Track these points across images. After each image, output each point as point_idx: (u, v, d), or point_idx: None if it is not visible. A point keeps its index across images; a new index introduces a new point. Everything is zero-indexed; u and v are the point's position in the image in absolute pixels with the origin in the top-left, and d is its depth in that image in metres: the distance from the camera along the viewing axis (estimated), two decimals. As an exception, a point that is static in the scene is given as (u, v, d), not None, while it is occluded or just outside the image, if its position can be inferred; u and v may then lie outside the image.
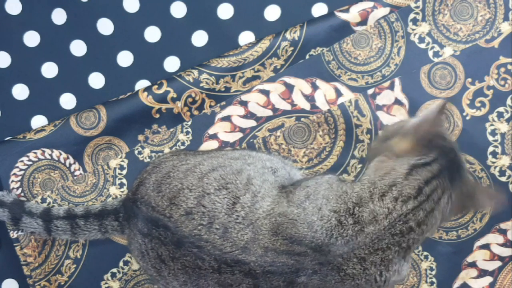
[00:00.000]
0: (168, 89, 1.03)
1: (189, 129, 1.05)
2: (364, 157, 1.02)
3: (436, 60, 1.03)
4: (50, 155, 1.04)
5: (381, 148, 0.85)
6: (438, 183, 0.78)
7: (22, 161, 1.04)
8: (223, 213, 0.77)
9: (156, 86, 1.04)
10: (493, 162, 1.02)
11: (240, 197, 0.79)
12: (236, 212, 0.77)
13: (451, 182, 0.79)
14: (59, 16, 1.08)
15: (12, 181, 1.04)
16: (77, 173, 1.05)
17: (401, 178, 0.77)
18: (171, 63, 1.08)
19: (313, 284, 0.77)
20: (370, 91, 1.03)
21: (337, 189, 0.79)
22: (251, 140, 1.04)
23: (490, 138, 1.02)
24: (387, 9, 1.03)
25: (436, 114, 0.80)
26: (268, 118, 1.04)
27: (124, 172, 1.05)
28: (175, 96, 1.03)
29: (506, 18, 1.01)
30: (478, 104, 1.02)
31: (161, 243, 0.80)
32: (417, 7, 1.03)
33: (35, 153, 1.04)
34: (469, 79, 1.02)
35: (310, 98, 1.04)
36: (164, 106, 1.04)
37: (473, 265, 1.03)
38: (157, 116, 1.05)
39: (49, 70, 1.08)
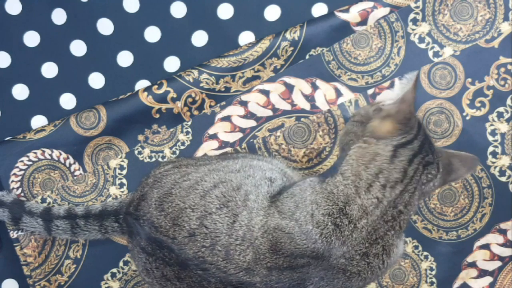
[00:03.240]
0: (168, 89, 1.03)
1: (189, 129, 1.05)
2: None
3: (436, 60, 1.03)
4: (50, 155, 1.04)
5: (357, 133, 0.83)
6: (420, 160, 0.78)
7: (22, 161, 1.04)
8: (224, 233, 0.76)
9: (156, 86, 1.04)
10: (493, 162, 1.02)
11: (238, 214, 0.78)
12: (235, 232, 0.76)
13: (432, 156, 0.79)
14: (59, 16, 1.08)
15: (12, 181, 1.04)
16: (77, 173, 1.05)
17: (387, 163, 0.76)
18: (171, 63, 1.08)
19: None
20: (370, 91, 1.03)
21: (322, 191, 0.78)
22: (251, 140, 1.04)
23: (490, 138, 1.02)
24: (387, 9, 1.03)
25: (413, 92, 0.79)
26: (268, 118, 1.04)
27: (124, 172, 1.05)
28: (175, 96, 1.03)
29: (506, 18, 1.01)
30: (478, 104, 1.02)
31: (166, 263, 0.79)
32: (417, 7, 1.03)
33: (35, 153, 1.04)
34: (469, 79, 1.02)
35: (310, 98, 1.04)
36: (164, 106, 1.04)
37: (473, 265, 1.03)
38: (157, 116, 1.05)
39: (49, 70, 1.08)
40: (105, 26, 1.07)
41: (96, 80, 1.08)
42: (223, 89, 1.04)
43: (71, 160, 1.05)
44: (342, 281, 0.76)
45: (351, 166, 0.78)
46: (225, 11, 1.07)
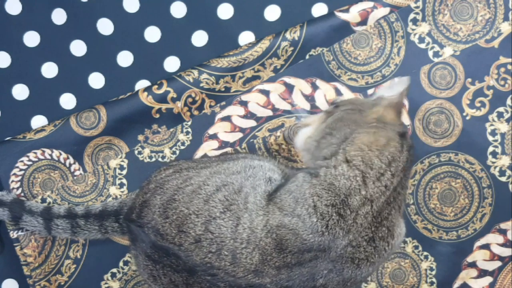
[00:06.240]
0: (168, 89, 1.03)
1: (189, 129, 1.05)
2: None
3: (436, 60, 1.03)
4: (50, 155, 1.04)
5: (356, 120, 0.85)
6: (408, 148, 0.82)
7: (22, 161, 1.04)
8: (229, 237, 0.76)
9: (156, 86, 1.04)
10: (493, 162, 1.02)
11: (241, 217, 0.77)
12: (240, 235, 0.76)
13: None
14: (59, 16, 1.08)
15: (12, 181, 1.04)
16: (77, 173, 1.05)
17: (399, 151, 0.80)
18: (171, 63, 1.08)
19: (332, 282, 0.77)
20: (370, 91, 1.04)
21: (320, 183, 0.78)
22: (251, 140, 1.04)
23: (490, 138, 1.02)
24: (387, 9, 1.03)
25: (407, 88, 0.87)
26: (268, 118, 1.04)
27: (124, 172, 1.05)
28: (175, 96, 1.03)
29: (506, 18, 1.01)
30: (478, 104, 1.02)
31: (174, 270, 0.79)
32: (417, 7, 1.03)
33: (35, 153, 1.04)
34: (469, 79, 1.02)
35: (310, 98, 1.04)
36: (164, 106, 1.04)
37: (473, 265, 1.03)
38: (157, 116, 1.05)
39: (49, 70, 1.08)
40: (105, 26, 1.07)
41: (96, 80, 1.08)
42: (223, 89, 1.04)
43: (71, 160, 1.05)
44: (352, 269, 0.76)
45: (362, 152, 0.79)
46: (225, 11, 1.07)
